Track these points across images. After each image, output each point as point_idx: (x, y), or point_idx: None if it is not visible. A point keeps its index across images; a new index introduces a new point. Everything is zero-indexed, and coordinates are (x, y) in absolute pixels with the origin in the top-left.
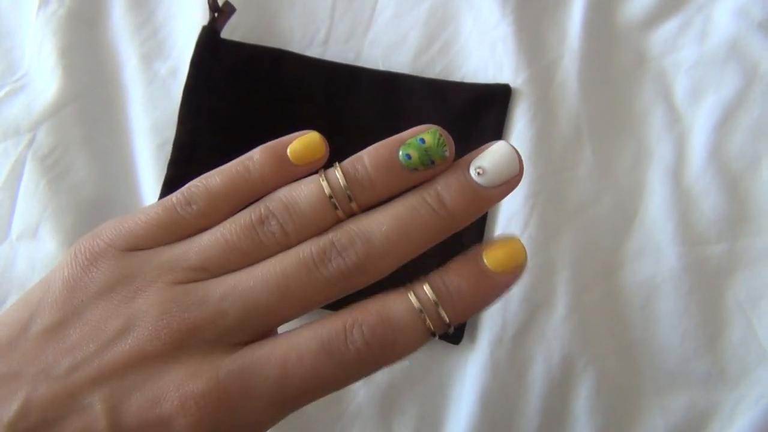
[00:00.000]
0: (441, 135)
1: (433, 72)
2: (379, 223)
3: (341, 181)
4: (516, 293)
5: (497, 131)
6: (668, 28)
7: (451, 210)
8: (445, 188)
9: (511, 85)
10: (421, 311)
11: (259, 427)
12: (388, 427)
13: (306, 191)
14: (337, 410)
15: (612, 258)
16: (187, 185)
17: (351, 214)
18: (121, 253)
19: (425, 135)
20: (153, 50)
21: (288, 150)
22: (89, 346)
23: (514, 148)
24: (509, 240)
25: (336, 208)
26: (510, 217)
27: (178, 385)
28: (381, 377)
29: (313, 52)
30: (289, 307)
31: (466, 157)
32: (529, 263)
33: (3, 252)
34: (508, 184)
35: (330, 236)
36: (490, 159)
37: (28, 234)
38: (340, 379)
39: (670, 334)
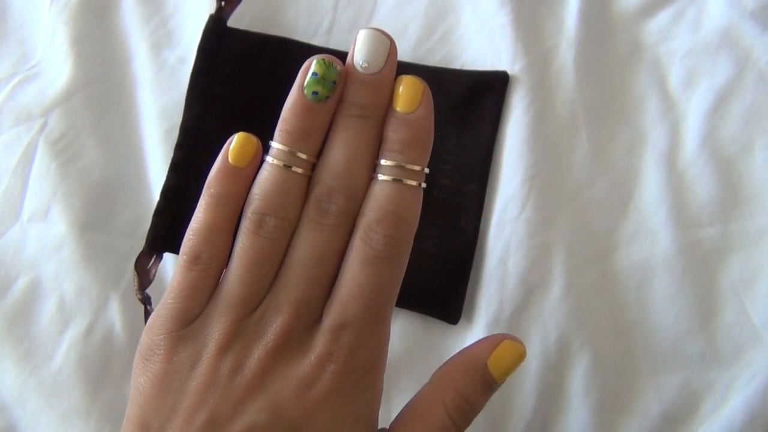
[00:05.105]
0: (324, 59)
1: (434, 60)
2: (334, 158)
3: (283, 148)
4: (513, 274)
5: (495, 117)
6: (663, 17)
7: (369, 106)
8: (353, 95)
9: (509, 72)
10: None
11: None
12: (387, 406)
13: (268, 176)
14: None
15: (607, 240)
16: (184, 242)
17: (311, 165)
18: (178, 334)
19: (314, 68)
20: (162, 39)
21: (230, 160)
22: (220, 403)
23: (374, 28)
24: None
25: (297, 168)
26: (507, 199)
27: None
28: None
29: (318, 41)
30: (331, 267)
31: (348, 62)
32: (526, 245)
33: (14, 234)
34: (390, 58)
35: (313, 194)
36: (364, 50)
37: (39, 216)
38: (394, 279)
39: (664, 315)
